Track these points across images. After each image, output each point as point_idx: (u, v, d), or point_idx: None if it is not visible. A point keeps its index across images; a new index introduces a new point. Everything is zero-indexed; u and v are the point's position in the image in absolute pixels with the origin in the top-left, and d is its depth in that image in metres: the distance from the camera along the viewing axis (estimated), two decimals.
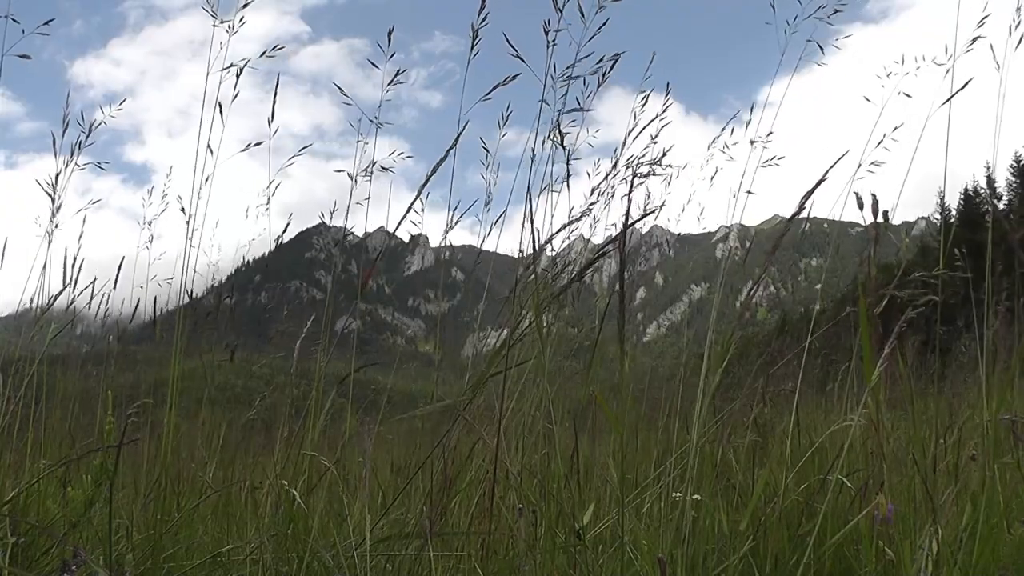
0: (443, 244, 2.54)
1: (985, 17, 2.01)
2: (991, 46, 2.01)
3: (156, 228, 2.77)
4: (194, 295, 2.50)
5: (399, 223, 2.04)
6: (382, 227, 2.29)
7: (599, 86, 2.07)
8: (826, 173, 1.46)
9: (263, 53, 2.25)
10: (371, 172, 2.33)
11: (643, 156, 2.22)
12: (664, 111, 2.24)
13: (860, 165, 2.10)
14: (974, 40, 2.01)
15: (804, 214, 1.53)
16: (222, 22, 2.22)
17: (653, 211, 2.43)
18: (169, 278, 2.79)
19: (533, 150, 2.13)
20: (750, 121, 2.43)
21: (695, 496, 1.69)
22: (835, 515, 1.86)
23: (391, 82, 2.20)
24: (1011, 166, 32.72)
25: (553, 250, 2.44)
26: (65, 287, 2.39)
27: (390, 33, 2.14)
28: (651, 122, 2.20)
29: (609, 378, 2.52)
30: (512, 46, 1.86)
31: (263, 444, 3.06)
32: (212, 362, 2.58)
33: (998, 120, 2.05)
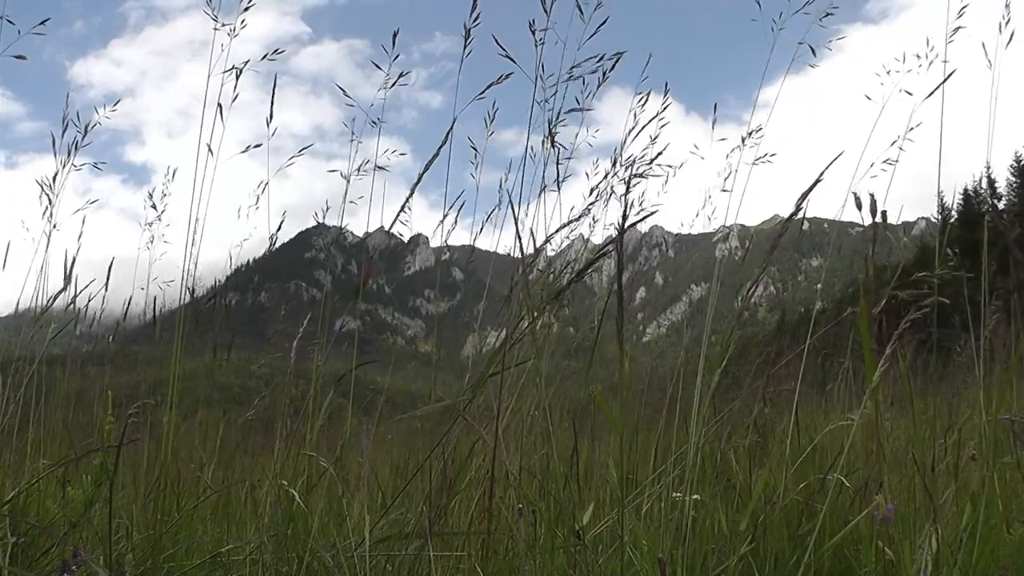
0: (442, 244, 2.54)
1: (964, 6, 2.01)
2: (983, 44, 2.01)
3: (156, 229, 2.77)
4: (195, 295, 2.50)
5: (393, 221, 2.05)
6: (382, 227, 2.29)
7: (599, 86, 2.08)
8: (822, 174, 1.47)
9: (264, 56, 2.25)
10: (365, 171, 2.33)
11: (642, 156, 2.22)
12: (663, 110, 2.24)
13: (872, 164, 2.09)
14: (955, 31, 2.01)
15: (801, 215, 1.53)
16: (223, 25, 2.22)
17: (653, 212, 2.43)
18: (169, 281, 2.79)
19: (529, 149, 2.13)
20: (749, 122, 2.43)
21: (695, 496, 1.70)
22: (835, 515, 1.86)
23: (394, 83, 2.20)
24: (1011, 166, 32.71)
25: (554, 250, 2.44)
26: (64, 288, 2.40)
27: (395, 36, 2.14)
28: (650, 122, 2.20)
29: (609, 378, 2.52)
30: (501, 47, 1.86)
31: (262, 444, 3.06)
32: (211, 362, 2.58)
33: (991, 118, 2.06)
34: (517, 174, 2.15)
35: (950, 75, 1.93)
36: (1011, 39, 2.04)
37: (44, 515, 2.17)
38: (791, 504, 1.92)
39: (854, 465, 2.16)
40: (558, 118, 2.07)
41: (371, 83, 2.27)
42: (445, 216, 2.32)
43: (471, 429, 1.92)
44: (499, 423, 1.78)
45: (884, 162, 2.10)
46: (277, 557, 1.88)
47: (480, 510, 1.96)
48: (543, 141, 2.10)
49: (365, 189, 2.36)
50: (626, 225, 1.46)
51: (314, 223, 2.77)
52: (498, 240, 2.43)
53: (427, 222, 2.46)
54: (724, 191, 2.52)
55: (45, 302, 2.42)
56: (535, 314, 1.63)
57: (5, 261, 2.40)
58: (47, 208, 2.34)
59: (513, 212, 1.81)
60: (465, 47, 2.04)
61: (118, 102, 2.38)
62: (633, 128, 2.19)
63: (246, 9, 2.22)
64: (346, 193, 2.34)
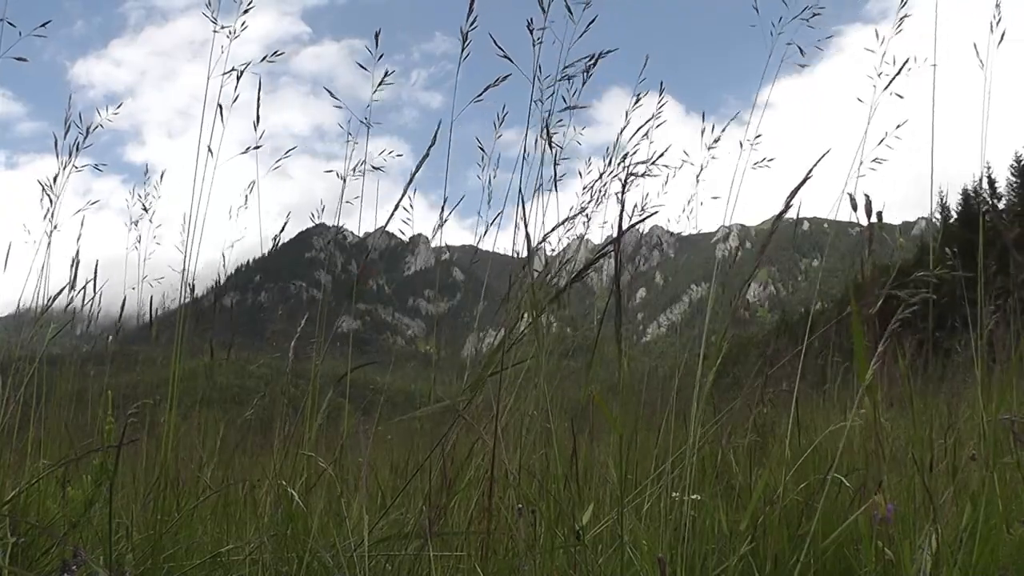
0: (440, 244, 2.54)
1: None
2: (974, 45, 2.02)
3: (144, 228, 2.77)
4: (195, 295, 2.50)
5: (388, 220, 2.05)
6: (382, 227, 2.29)
7: (584, 84, 2.08)
8: (810, 171, 1.47)
9: (264, 58, 2.26)
10: (361, 172, 2.33)
11: (634, 153, 2.22)
12: (660, 110, 2.25)
13: (862, 163, 2.11)
14: (901, 20, 2.03)
15: (793, 213, 1.54)
16: (222, 28, 2.23)
17: (652, 213, 2.43)
18: (159, 278, 2.79)
19: (523, 150, 2.13)
20: (749, 122, 2.43)
21: (695, 496, 1.70)
22: (835, 515, 1.86)
23: (380, 83, 2.20)
24: (1011, 166, 32.67)
25: (552, 250, 2.45)
26: (64, 288, 2.40)
27: (377, 36, 2.15)
28: (647, 122, 2.20)
29: (608, 378, 2.52)
30: (500, 47, 1.87)
31: (261, 444, 3.06)
32: (211, 362, 2.58)
33: (984, 118, 2.06)
34: (515, 174, 2.16)
35: (903, 66, 1.95)
36: (1002, 39, 2.04)
37: (44, 515, 2.17)
38: (791, 504, 1.92)
39: (854, 465, 2.16)
40: (551, 117, 2.07)
41: (371, 84, 2.27)
42: (445, 220, 2.32)
43: (470, 429, 1.92)
44: (498, 423, 1.78)
45: (873, 161, 2.12)
46: (277, 557, 1.88)
47: (480, 510, 1.96)
48: (535, 141, 2.11)
49: (365, 189, 2.37)
50: (626, 227, 1.46)
51: (314, 223, 2.77)
52: (495, 240, 2.43)
53: (427, 222, 2.46)
54: (715, 198, 2.53)
55: (45, 302, 2.43)
56: (535, 314, 1.63)
57: (6, 262, 2.40)
58: (48, 209, 2.35)
59: (523, 210, 1.82)
60: (463, 51, 2.04)
61: (120, 105, 2.38)
62: (625, 127, 2.19)
63: (245, 11, 2.22)
64: (342, 193, 2.34)
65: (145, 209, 2.70)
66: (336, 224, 2.43)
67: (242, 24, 2.23)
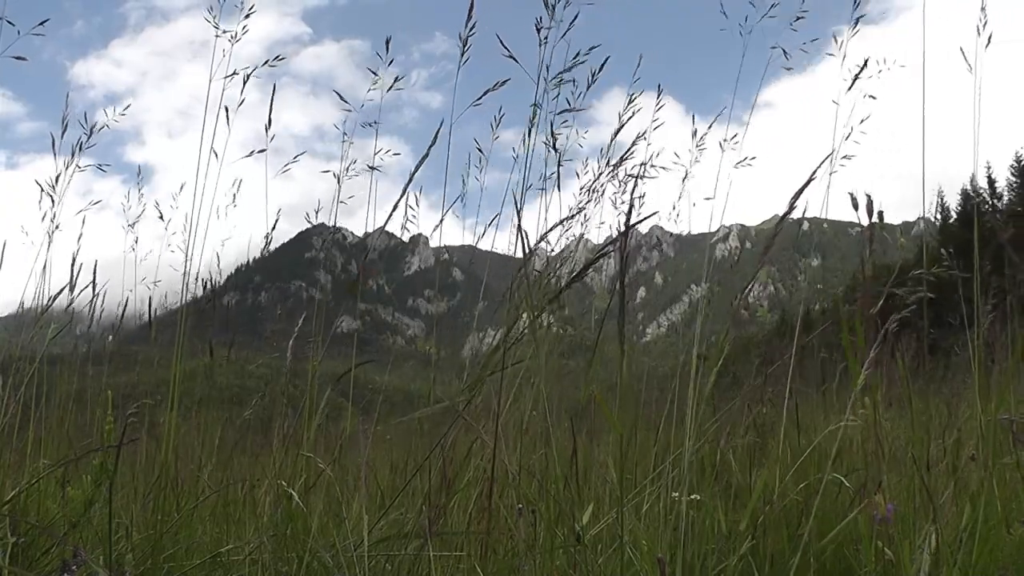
0: (440, 244, 2.54)
1: None
2: (961, 49, 2.03)
3: (155, 230, 2.77)
4: (195, 295, 2.50)
5: (386, 220, 2.05)
6: (382, 227, 2.29)
7: (588, 87, 2.08)
8: (814, 173, 1.47)
9: (266, 62, 2.26)
10: (358, 172, 2.34)
11: (631, 155, 2.23)
12: (658, 111, 2.25)
13: (833, 160, 2.13)
14: (856, 20, 2.06)
15: (795, 213, 1.54)
16: (224, 32, 2.23)
17: (653, 213, 2.43)
18: (157, 280, 2.79)
19: (517, 151, 2.14)
20: (749, 122, 2.43)
21: (694, 496, 1.70)
22: (834, 515, 1.86)
23: (390, 88, 2.21)
24: (1011, 166, 32.66)
25: (552, 250, 2.45)
26: (64, 288, 2.40)
27: (388, 42, 2.15)
28: (651, 124, 2.21)
29: (608, 378, 2.52)
30: (506, 47, 1.86)
31: (261, 444, 3.06)
32: (210, 362, 2.58)
33: (976, 118, 2.07)
34: (516, 174, 2.16)
35: (863, 67, 1.98)
36: (989, 41, 2.05)
37: (44, 515, 2.17)
38: (790, 504, 1.92)
39: (853, 465, 2.16)
40: (555, 117, 2.07)
41: (373, 85, 2.27)
42: (442, 219, 2.33)
43: (470, 429, 1.92)
44: (498, 422, 1.78)
45: (843, 158, 2.14)
46: (277, 557, 1.88)
47: (479, 510, 1.96)
48: (534, 143, 2.11)
49: (366, 189, 2.37)
50: (627, 228, 1.46)
51: (313, 223, 2.77)
52: (493, 240, 2.43)
53: (427, 222, 2.47)
54: (707, 199, 2.54)
55: (45, 302, 2.43)
56: (534, 314, 1.63)
57: (1, 261, 2.40)
58: (50, 209, 2.35)
59: (516, 212, 1.82)
60: (462, 55, 2.04)
61: (128, 107, 2.39)
62: (620, 129, 2.20)
63: (248, 16, 2.23)
64: (338, 194, 2.35)
65: (154, 208, 2.70)
66: (336, 224, 2.43)
67: (243, 28, 2.24)
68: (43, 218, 2.36)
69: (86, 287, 2.53)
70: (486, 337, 2.44)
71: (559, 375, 2.49)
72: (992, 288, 2.29)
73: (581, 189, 2.31)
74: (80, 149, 2.28)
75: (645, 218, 1.75)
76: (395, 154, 2.35)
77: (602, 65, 2.01)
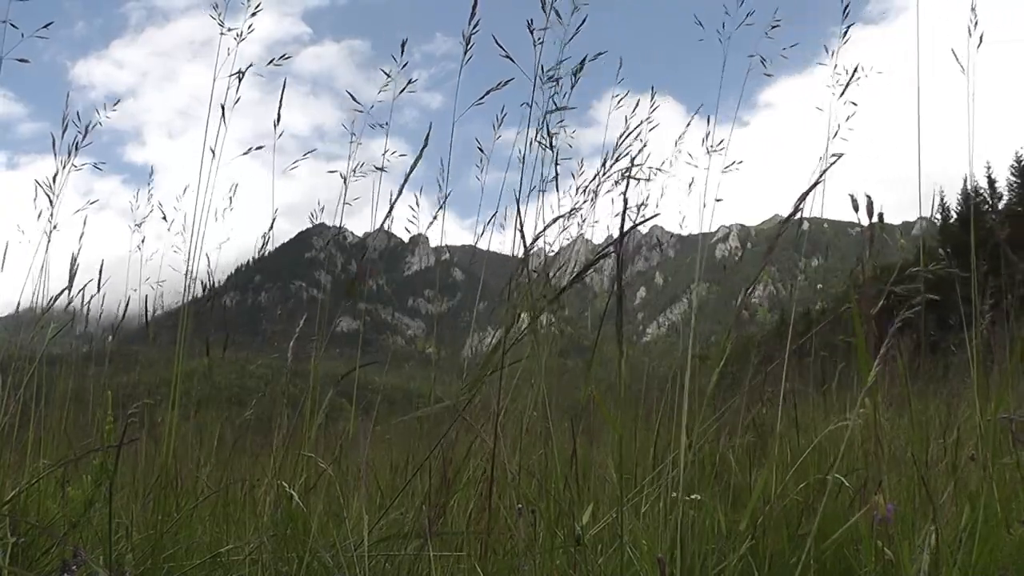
0: (440, 244, 2.55)
1: None
2: (952, 51, 2.04)
3: (147, 230, 2.77)
4: (195, 295, 2.50)
5: (384, 218, 2.05)
6: (382, 227, 2.29)
7: (571, 87, 2.09)
8: (821, 176, 1.47)
9: (271, 61, 2.26)
10: (363, 172, 2.34)
11: (626, 153, 2.23)
12: (654, 112, 2.26)
13: (821, 159, 2.15)
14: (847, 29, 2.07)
15: (800, 216, 1.54)
16: (229, 30, 2.23)
17: (655, 215, 2.44)
18: (162, 281, 2.79)
19: (518, 150, 2.14)
20: (749, 123, 2.44)
21: (694, 496, 1.70)
22: (834, 515, 1.86)
23: (403, 90, 2.22)
24: (1011, 166, 32.65)
25: (552, 250, 2.45)
26: (64, 288, 2.40)
27: (403, 45, 2.16)
28: (646, 124, 2.21)
29: (607, 377, 2.52)
30: (502, 47, 1.87)
31: (261, 444, 3.06)
32: (210, 362, 2.58)
33: (970, 121, 2.07)
34: (515, 174, 2.16)
35: (853, 73, 2.00)
36: (980, 42, 2.06)
37: (44, 515, 2.17)
38: (791, 504, 1.92)
39: (854, 465, 2.16)
40: (545, 118, 2.08)
41: (372, 84, 2.28)
42: (434, 218, 2.33)
43: (469, 428, 1.92)
44: (497, 422, 1.78)
45: (832, 156, 2.15)
46: (277, 557, 1.88)
47: (479, 510, 1.96)
48: (529, 142, 2.11)
49: (367, 189, 2.37)
50: (627, 228, 1.46)
51: (314, 223, 2.77)
52: (492, 240, 2.44)
53: (427, 222, 2.46)
54: (718, 200, 2.55)
55: (45, 302, 2.43)
56: (533, 315, 1.63)
57: (4, 261, 2.40)
58: (49, 208, 2.35)
59: (518, 211, 1.82)
60: (465, 53, 2.04)
61: (117, 102, 2.39)
62: (627, 133, 2.20)
63: (254, 14, 2.23)
64: (344, 194, 2.35)
65: (154, 206, 2.70)
66: (338, 224, 2.44)
67: (249, 27, 2.24)
68: (38, 216, 2.36)
69: (86, 285, 2.53)
70: (486, 337, 2.44)
71: (558, 375, 2.49)
72: (990, 288, 2.30)
73: (578, 189, 2.32)
74: (76, 148, 2.28)
75: (644, 220, 1.75)
76: (402, 155, 2.36)
77: (582, 62, 2.01)
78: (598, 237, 2.59)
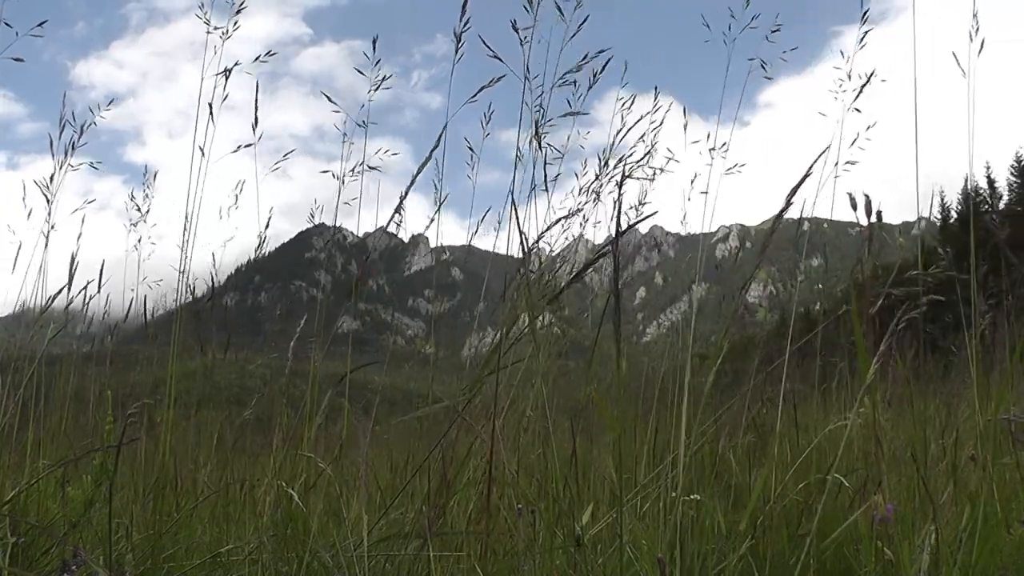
0: (439, 244, 2.55)
1: None
2: (954, 54, 2.05)
3: (153, 229, 2.77)
4: (194, 295, 2.50)
5: (389, 221, 2.06)
6: (382, 227, 2.29)
7: (552, 87, 2.09)
8: (809, 169, 1.47)
9: (257, 58, 2.27)
10: (359, 172, 2.34)
11: (629, 155, 2.24)
12: (655, 112, 2.26)
13: (837, 163, 2.15)
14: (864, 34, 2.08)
15: (795, 212, 1.54)
16: (215, 28, 2.24)
17: (653, 213, 2.44)
18: (159, 280, 2.80)
19: (518, 150, 2.14)
20: (750, 123, 2.45)
21: (694, 496, 1.70)
22: (834, 515, 1.86)
23: (378, 88, 2.22)
24: (1011, 166, 32.65)
25: (552, 250, 2.45)
26: (63, 288, 2.40)
27: (375, 41, 2.17)
28: (659, 125, 2.22)
29: (607, 377, 2.52)
30: (490, 48, 1.87)
31: (261, 444, 3.06)
32: (210, 362, 2.58)
33: (970, 124, 2.08)
34: (516, 174, 2.16)
35: (867, 81, 2.01)
36: (982, 47, 2.06)
37: (44, 515, 2.17)
38: (791, 504, 1.92)
39: (854, 465, 2.16)
40: (544, 119, 2.08)
41: (370, 85, 2.28)
42: (432, 218, 2.33)
43: (469, 428, 1.92)
44: (495, 422, 1.78)
45: (847, 163, 2.17)
46: (276, 557, 1.88)
47: (479, 510, 1.96)
48: (529, 142, 2.11)
49: (366, 189, 2.37)
50: (625, 228, 1.46)
51: (313, 223, 2.77)
52: (495, 241, 2.44)
53: (426, 222, 2.46)
54: (703, 193, 2.55)
55: (45, 302, 2.43)
56: (533, 315, 1.63)
57: (14, 264, 2.41)
58: (46, 208, 2.35)
59: (515, 211, 1.82)
60: (456, 51, 2.05)
61: (111, 101, 2.39)
62: (621, 131, 2.21)
63: (238, 12, 2.24)
64: (340, 194, 2.36)
65: (139, 210, 2.70)
66: (336, 224, 2.44)
67: (235, 24, 2.25)
68: (28, 215, 2.36)
69: (85, 285, 2.53)
70: (486, 337, 2.44)
71: (558, 375, 2.49)
72: (990, 288, 2.30)
73: (580, 190, 2.32)
74: (72, 148, 2.28)
75: (643, 219, 1.75)
76: (394, 154, 2.36)
77: (603, 67, 2.01)
78: (599, 237, 2.59)
